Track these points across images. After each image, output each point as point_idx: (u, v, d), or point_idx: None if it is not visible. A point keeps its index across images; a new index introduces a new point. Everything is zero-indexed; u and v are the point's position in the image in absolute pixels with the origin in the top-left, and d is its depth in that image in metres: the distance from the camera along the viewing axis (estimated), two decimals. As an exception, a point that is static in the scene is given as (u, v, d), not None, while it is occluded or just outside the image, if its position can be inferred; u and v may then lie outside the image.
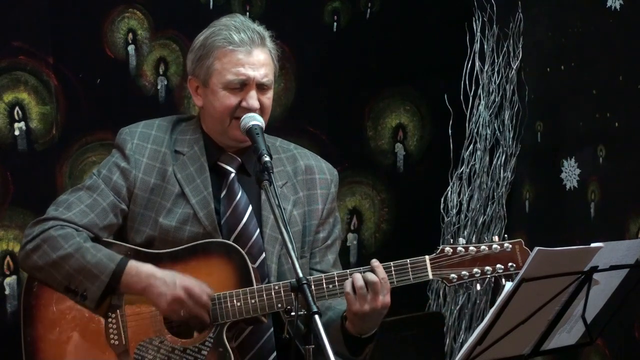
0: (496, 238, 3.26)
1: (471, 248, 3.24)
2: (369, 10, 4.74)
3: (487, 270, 3.22)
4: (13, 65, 4.19)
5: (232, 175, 3.42)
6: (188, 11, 4.43)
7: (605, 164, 4.21)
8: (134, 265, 3.27)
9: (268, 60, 3.39)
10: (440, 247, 3.26)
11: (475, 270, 3.23)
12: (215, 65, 3.37)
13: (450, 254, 3.24)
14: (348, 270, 3.25)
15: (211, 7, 4.45)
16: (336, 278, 3.24)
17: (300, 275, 2.84)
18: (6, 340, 4.08)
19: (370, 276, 3.17)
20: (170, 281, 3.23)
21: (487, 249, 3.24)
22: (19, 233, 4.18)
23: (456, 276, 3.23)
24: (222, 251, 3.30)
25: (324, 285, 3.24)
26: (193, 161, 3.41)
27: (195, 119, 3.50)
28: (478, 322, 4.63)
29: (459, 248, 3.25)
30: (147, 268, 3.27)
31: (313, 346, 2.79)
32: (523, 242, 3.27)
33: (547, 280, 2.81)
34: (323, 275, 3.27)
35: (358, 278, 3.17)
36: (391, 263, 3.24)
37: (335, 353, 2.71)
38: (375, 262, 3.21)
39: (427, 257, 3.25)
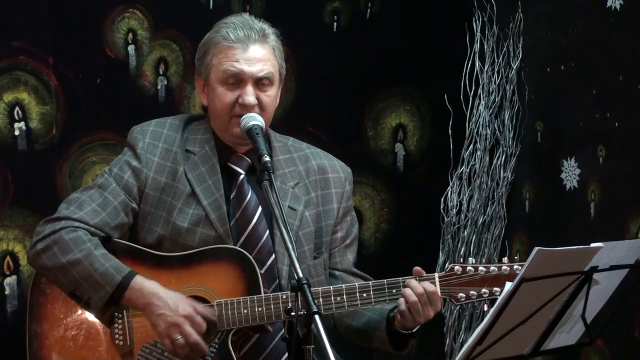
0: (506, 259, 3.28)
1: (481, 268, 3.25)
2: (369, 10, 4.74)
3: (496, 291, 3.23)
4: (13, 65, 4.19)
5: (242, 176, 3.42)
6: (188, 11, 4.43)
7: (605, 164, 4.21)
8: (139, 280, 3.25)
9: (268, 56, 3.37)
10: (450, 266, 3.27)
11: (484, 290, 3.24)
12: (213, 61, 3.37)
13: (459, 273, 3.26)
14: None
15: (211, 7, 4.46)
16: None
17: (300, 275, 2.84)
18: (6, 340, 4.08)
19: (428, 285, 3.22)
20: (173, 305, 3.21)
21: (496, 269, 3.25)
22: (19, 233, 4.18)
23: (464, 295, 3.25)
24: (231, 257, 3.30)
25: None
26: (204, 161, 3.41)
27: (207, 118, 3.50)
28: (478, 322, 4.63)
29: (469, 267, 3.26)
30: (152, 285, 3.25)
31: (313, 346, 2.79)
32: None
33: (547, 280, 2.81)
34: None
35: (416, 286, 3.21)
36: (399, 279, 3.25)
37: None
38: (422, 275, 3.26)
39: (436, 274, 3.26)
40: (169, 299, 3.22)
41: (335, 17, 4.70)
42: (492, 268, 3.25)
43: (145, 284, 3.24)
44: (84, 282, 3.25)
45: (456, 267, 3.26)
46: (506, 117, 4.69)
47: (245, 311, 3.25)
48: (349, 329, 3.45)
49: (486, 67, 4.68)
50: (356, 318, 3.42)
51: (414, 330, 3.29)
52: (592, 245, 2.88)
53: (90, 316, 3.33)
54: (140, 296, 3.23)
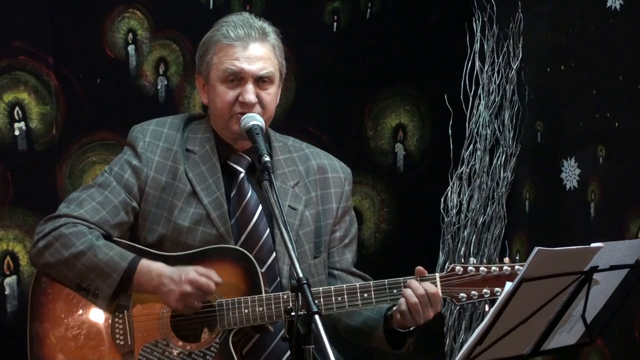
0: (507, 259, 3.27)
1: (482, 268, 3.25)
2: (369, 10, 4.75)
3: (497, 292, 3.23)
4: (13, 65, 4.20)
5: (242, 175, 3.42)
6: (188, 11, 4.43)
7: (605, 164, 4.21)
8: (145, 264, 3.27)
9: (268, 55, 3.38)
10: (451, 266, 3.27)
11: (485, 290, 3.24)
12: (214, 60, 3.38)
13: (460, 273, 3.25)
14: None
15: (211, 7, 4.46)
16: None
17: (301, 275, 2.84)
18: (6, 340, 4.08)
19: (430, 287, 3.22)
20: (176, 278, 3.23)
21: (497, 269, 3.25)
22: (19, 233, 4.18)
23: (465, 295, 3.25)
24: (232, 257, 3.30)
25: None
26: (204, 160, 3.41)
27: (207, 117, 3.50)
28: (478, 322, 4.63)
29: (470, 268, 3.25)
30: (158, 266, 3.27)
31: (313, 346, 2.79)
32: None
33: (547, 280, 2.81)
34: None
35: (417, 287, 3.21)
36: (400, 279, 3.26)
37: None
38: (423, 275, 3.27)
39: (437, 274, 3.26)
40: (172, 274, 3.24)
41: (335, 17, 4.70)
42: (493, 268, 3.25)
43: (153, 266, 3.27)
44: (90, 272, 3.26)
45: (457, 267, 3.26)
46: (506, 117, 4.69)
47: (247, 311, 3.25)
48: (347, 328, 3.46)
49: (486, 67, 4.68)
50: (354, 317, 3.42)
51: (411, 329, 3.29)
52: (592, 245, 2.88)
53: (91, 316, 3.33)
54: (149, 279, 3.25)
